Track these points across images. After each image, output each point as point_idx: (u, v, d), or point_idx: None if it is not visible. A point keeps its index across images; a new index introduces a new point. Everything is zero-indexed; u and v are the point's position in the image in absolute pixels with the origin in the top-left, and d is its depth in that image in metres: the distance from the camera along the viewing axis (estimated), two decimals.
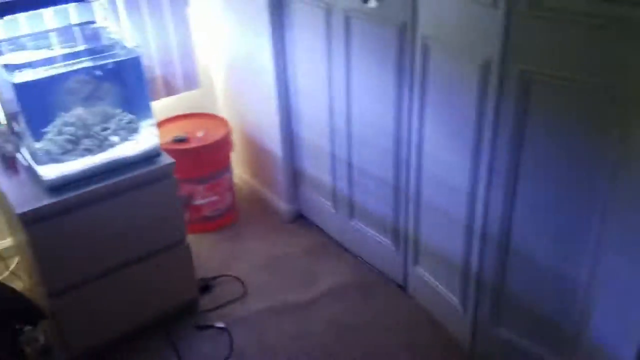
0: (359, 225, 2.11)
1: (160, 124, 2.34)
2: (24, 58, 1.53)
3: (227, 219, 2.41)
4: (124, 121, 1.64)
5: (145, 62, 2.24)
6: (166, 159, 1.69)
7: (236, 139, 2.56)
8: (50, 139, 1.52)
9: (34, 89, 1.42)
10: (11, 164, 1.63)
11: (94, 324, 1.71)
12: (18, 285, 1.99)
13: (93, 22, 1.76)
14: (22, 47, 1.62)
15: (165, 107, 2.42)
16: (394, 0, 1.57)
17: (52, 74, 1.45)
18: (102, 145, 1.59)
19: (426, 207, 1.76)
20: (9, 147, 1.62)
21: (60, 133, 1.54)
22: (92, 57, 1.54)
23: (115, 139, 1.61)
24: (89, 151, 1.57)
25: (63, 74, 1.47)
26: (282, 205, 2.41)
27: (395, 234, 1.94)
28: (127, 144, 1.64)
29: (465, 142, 1.51)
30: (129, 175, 1.61)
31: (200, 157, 2.22)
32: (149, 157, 1.67)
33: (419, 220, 1.81)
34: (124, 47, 1.62)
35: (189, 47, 2.36)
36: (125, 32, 2.14)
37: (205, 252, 2.26)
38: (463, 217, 1.61)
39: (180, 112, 2.45)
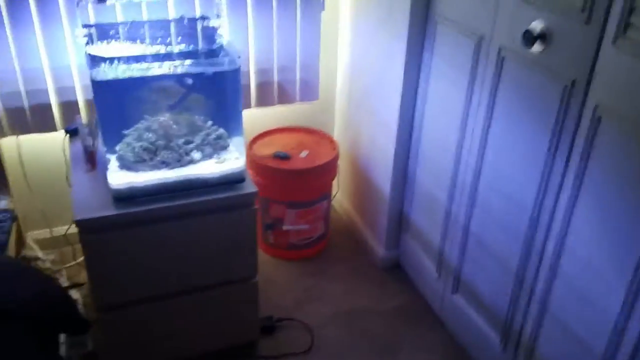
0: (462, 302, 1.77)
1: (265, 134, 2.17)
2: (116, 50, 1.40)
3: (314, 250, 2.19)
4: (212, 136, 1.46)
5: (264, 64, 2.08)
6: (249, 187, 1.49)
7: (344, 162, 2.32)
8: (128, 144, 1.38)
9: (114, 89, 1.28)
10: (90, 158, 1.52)
11: (142, 346, 1.58)
12: (83, 276, 1.93)
13: (206, 18, 1.60)
14: (128, 37, 1.49)
15: (275, 115, 2.24)
16: (566, 48, 1.21)
17: (138, 75, 1.29)
18: (182, 159, 1.43)
19: (553, 316, 1.38)
20: (89, 141, 1.51)
21: (140, 139, 1.39)
22: (190, 59, 1.37)
23: (197, 155, 1.44)
24: (166, 164, 1.41)
25: (152, 76, 1.31)
26: (379, 249, 2.14)
27: (506, 331, 1.58)
28: (209, 162, 1.46)
29: (628, 254, 1.12)
30: (204, 198, 1.43)
31: (299, 180, 2.00)
32: (231, 181, 1.47)
33: (541, 327, 1.44)
34: (227, 54, 1.43)
35: (314, 54, 2.15)
36: (244, 31, 1.97)
37: (281, 283, 2.05)
38: (602, 349, 1.22)
39: (291, 123, 2.25)
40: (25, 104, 1.80)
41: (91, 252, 1.38)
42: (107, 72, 1.26)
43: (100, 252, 1.39)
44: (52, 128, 1.87)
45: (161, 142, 1.40)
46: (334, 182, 2.22)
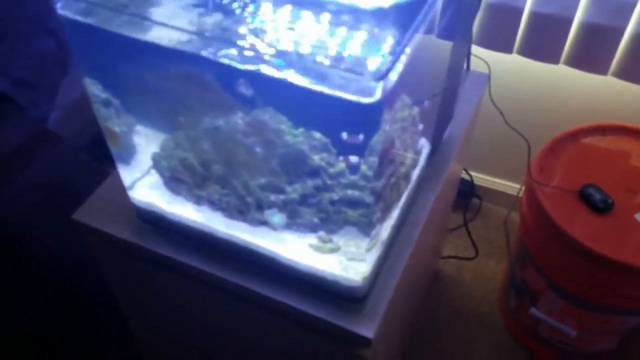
0: None
1: (584, 131, 1.15)
2: None
3: None
4: (334, 196, 0.69)
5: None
6: (367, 323, 0.72)
7: None
8: (176, 144, 0.75)
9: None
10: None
11: None
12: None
13: None
14: None
15: (611, 98, 1.16)
16: None
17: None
18: (247, 213, 0.73)
19: None
20: None
21: (193, 144, 0.73)
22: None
23: (276, 218, 0.71)
24: (216, 207, 0.75)
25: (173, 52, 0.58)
26: None
27: None
28: (303, 239, 0.72)
29: None
30: (266, 292, 0.75)
31: (605, 274, 1.02)
32: (331, 292, 0.73)
33: None
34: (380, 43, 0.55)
35: None
36: None
37: None
38: None
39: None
40: None
41: (105, 266, 0.92)
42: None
43: (117, 271, 0.92)
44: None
45: (218, 168, 0.71)
46: None
